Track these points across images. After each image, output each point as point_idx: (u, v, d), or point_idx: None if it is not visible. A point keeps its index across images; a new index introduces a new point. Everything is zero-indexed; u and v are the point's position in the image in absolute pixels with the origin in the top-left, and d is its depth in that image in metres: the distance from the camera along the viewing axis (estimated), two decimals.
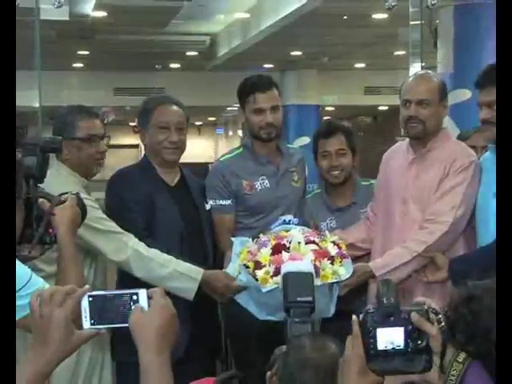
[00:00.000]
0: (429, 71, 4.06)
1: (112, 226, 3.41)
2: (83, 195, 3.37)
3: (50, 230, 2.32)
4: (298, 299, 2.43)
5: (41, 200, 2.30)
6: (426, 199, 3.52)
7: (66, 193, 2.54)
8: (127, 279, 3.43)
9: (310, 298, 2.44)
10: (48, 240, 2.32)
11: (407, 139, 3.72)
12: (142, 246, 3.39)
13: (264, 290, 3.11)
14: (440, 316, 1.97)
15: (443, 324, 1.95)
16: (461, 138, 4.36)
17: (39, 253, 2.31)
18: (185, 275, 3.37)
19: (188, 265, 3.40)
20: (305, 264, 2.84)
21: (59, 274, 2.28)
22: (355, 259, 3.52)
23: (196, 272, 3.39)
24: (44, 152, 2.45)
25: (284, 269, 2.55)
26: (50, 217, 2.32)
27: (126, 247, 3.37)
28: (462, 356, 1.83)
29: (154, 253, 3.39)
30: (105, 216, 3.44)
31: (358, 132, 4.72)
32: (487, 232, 3.38)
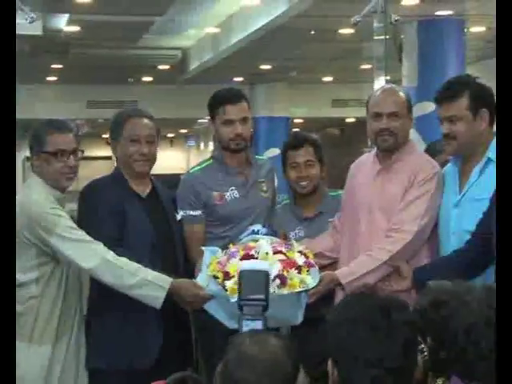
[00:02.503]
0: (393, 85, 4.16)
1: (81, 234, 3.45)
2: (53, 206, 3.44)
3: None
4: (251, 297, 2.46)
5: None
6: (392, 209, 3.57)
7: None
8: (100, 285, 3.47)
9: (262, 296, 2.46)
10: None
11: (373, 151, 3.80)
12: (110, 255, 3.41)
13: (233, 300, 3.13)
14: (422, 346, 2.07)
15: (425, 354, 2.05)
16: (434, 150, 4.42)
17: None
18: (153, 283, 3.38)
19: (156, 273, 3.42)
20: (260, 263, 2.88)
21: None
22: (323, 268, 3.56)
23: (164, 280, 3.40)
24: None
25: (240, 268, 2.60)
26: None
27: (95, 255, 3.39)
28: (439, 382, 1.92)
29: (123, 261, 3.41)
30: (74, 225, 3.48)
31: (325, 144, 4.80)
32: (448, 242, 3.47)
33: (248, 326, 2.37)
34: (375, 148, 3.75)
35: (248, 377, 1.98)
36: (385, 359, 1.94)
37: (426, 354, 2.08)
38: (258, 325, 2.38)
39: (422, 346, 2.08)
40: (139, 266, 3.42)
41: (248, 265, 2.66)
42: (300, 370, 2.05)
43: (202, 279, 3.37)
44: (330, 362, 2.07)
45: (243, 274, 2.54)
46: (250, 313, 2.42)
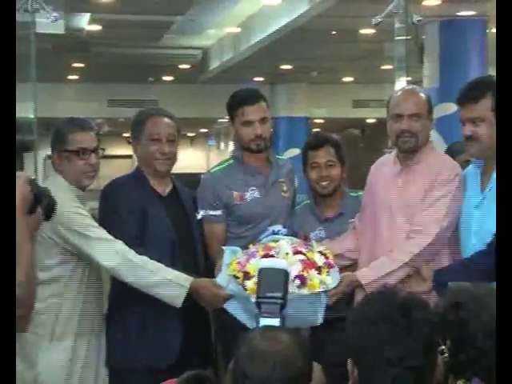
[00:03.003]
0: (414, 86, 4.15)
1: (102, 233, 3.47)
2: (74, 204, 3.46)
3: None
4: (268, 294, 2.45)
5: None
6: (412, 210, 3.56)
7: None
8: (121, 283, 3.49)
9: (279, 294, 2.45)
10: None
11: (394, 151, 3.79)
12: (131, 254, 3.43)
13: (253, 300, 3.16)
14: (443, 347, 2.06)
15: (446, 355, 2.04)
16: (454, 150, 4.41)
17: None
18: (173, 283, 3.40)
19: (177, 272, 3.44)
20: (280, 262, 2.89)
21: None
22: (343, 269, 3.56)
23: (184, 280, 3.42)
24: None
25: (260, 266, 2.61)
26: None
27: (116, 254, 3.42)
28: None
29: (144, 260, 3.43)
30: (95, 224, 3.50)
31: (346, 144, 4.79)
32: (469, 243, 3.45)
33: (265, 323, 2.37)
34: (396, 149, 3.74)
35: (259, 372, 1.98)
36: (405, 358, 1.94)
37: (446, 355, 2.06)
38: (275, 323, 2.37)
39: (443, 347, 2.07)
40: (160, 265, 3.44)
41: (268, 263, 2.67)
42: (317, 369, 2.05)
43: (221, 279, 3.37)
44: (349, 362, 2.06)
45: (262, 272, 2.54)
46: (267, 311, 2.41)
